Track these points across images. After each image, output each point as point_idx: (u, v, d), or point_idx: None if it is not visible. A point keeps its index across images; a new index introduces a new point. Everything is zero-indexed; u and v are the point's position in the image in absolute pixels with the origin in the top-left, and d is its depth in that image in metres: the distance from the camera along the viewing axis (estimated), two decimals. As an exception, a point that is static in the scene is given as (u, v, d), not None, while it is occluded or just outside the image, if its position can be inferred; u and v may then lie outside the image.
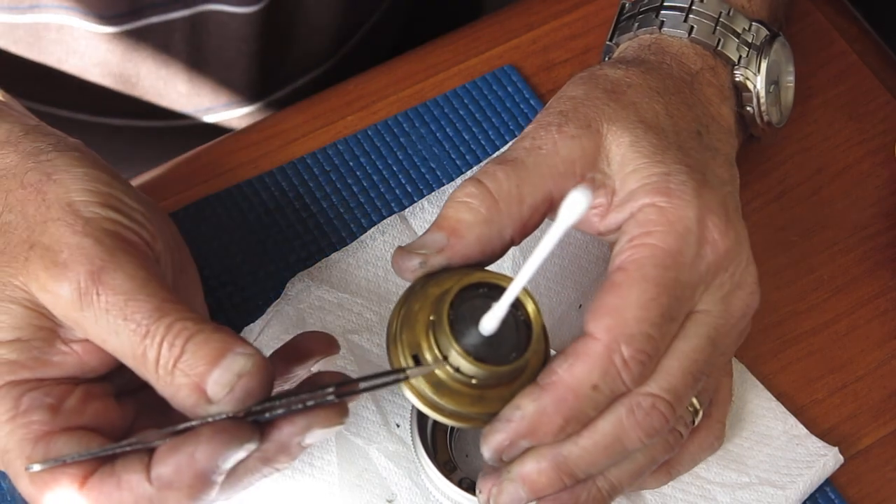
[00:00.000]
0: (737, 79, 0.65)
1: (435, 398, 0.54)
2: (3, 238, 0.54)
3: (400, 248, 0.57)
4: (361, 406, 0.65)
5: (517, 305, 0.55)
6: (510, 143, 0.73)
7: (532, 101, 0.76)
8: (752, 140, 0.70)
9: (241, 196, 0.72)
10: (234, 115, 0.88)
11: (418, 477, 0.63)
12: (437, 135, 0.75)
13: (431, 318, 0.54)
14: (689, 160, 0.59)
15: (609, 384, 0.54)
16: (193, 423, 0.52)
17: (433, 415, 0.55)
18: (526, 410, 0.54)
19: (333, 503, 0.63)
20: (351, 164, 0.74)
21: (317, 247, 0.71)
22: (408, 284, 0.57)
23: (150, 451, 0.52)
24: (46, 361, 0.54)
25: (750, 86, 0.65)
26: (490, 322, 0.53)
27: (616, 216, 0.58)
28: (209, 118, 0.88)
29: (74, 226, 0.53)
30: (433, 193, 0.72)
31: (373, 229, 0.70)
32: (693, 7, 0.66)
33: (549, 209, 0.58)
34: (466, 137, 0.75)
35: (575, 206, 0.47)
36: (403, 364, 0.54)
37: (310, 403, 0.53)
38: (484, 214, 0.57)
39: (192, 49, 0.82)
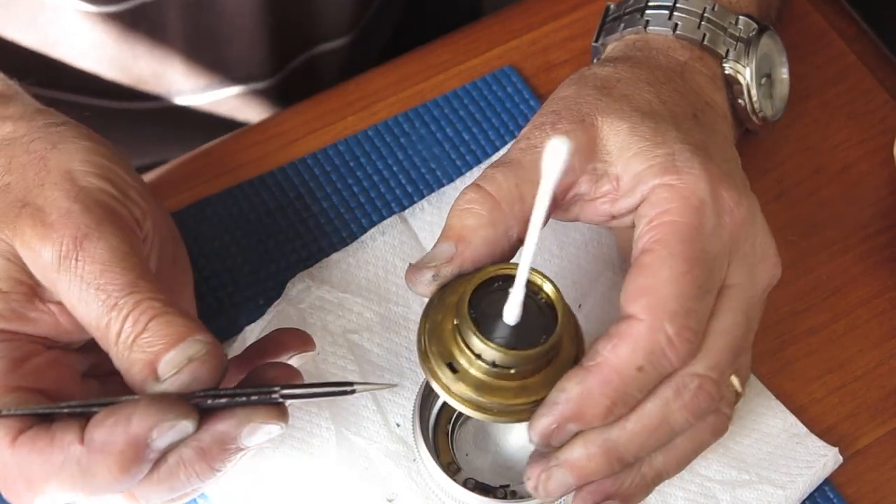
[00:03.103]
0: (726, 72, 0.66)
1: (480, 399, 0.55)
2: (1, 196, 0.56)
3: (411, 265, 0.58)
4: (361, 406, 0.65)
5: (535, 290, 0.55)
6: (508, 146, 0.73)
7: (532, 102, 0.76)
8: (750, 134, 0.70)
9: (242, 196, 0.72)
10: (233, 92, 0.88)
11: (419, 476, 0.63)
12: (437, 135, 0.75)
13: (455, 322, 0.55)
14: (689, 139, 0.59)
15: (655, 364, 0.54)
16: (136, 397, 0.52)
17: (481, 416, 0.55)
18: (571, 393, 0.54)
19: (334, 503, 0.63)
20: (351, 164, 0.74)
21: (317, 247, 0.71)
22: (426, 299, 0.58)
23: (89, 418, 0.52)
24: (23, 316, 0.54)
25: (740, 79, 0.66)
26: (511, 310, 0.53)
27: (626, 201, 0.59)
28: (207, 97, 0.88)
29: (69, 192, 0.55)
30: (433, 194, 0.72)
31: (373, 229, 0.70)
32: (677, 4, 0.66)
33: (553, 204, 0.58)
34: (466, 138, 0.75)
35: (555, 156, 0.46)
36: (441, 376, 0.55)
37: (253, 398, 0.53)
38: (487, 217, 0.57)
39: (188, 28, 0.82)
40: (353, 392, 0.56)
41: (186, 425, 0.52)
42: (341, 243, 0.71)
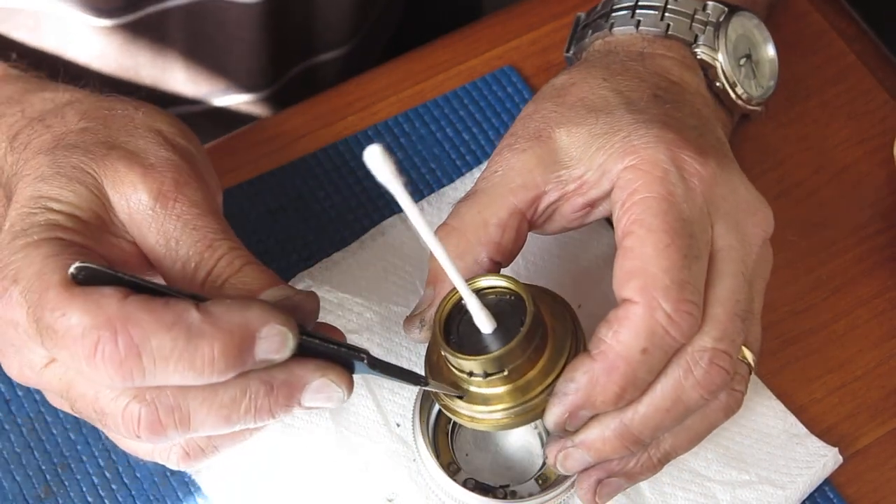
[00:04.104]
0: (699, 57, 0.66)
1: (495, 409, 0.56)
2: (80, 137, 0.57)
3: (406, 317, 0.61)
4: (361, 405, 0.65)
5: (497, 291, 0.56)
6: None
7: (532, 102, 0.76)
8: (746, 120, 0.70)
9: (242, 196, 0.72)
10: (233, 101, 0.89)
11: (419, 476, 0.63)
12: (438, 135, 0.75)
13: (443, 353, 0.56)
14: (645, 117, 0.60)
15: (658, 344, 0.55)
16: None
17: (506, 425, 0.56)
18: (579, 382, 0.55)
19: (334, 502, 0.63)
20: (351, 164, 0.74)
21: (317, 247, 0.71)
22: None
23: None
24: (98, 241, 0.55)
25: (713, 62, 0.66)
26: (480, 321, 0.55)
27: (596, 191, 0.59)
28: (210, 105, 0.88)
29: (164, 144, 0.57)
30: (433, 194, 0.72)
31: (373, 230, 0.71)
32: (639, 3, 0.67)
33: (521, 222, 0.60)
34: (466, 138, 0.75)
35: (372, 159, 0.47)
36: (457, 408, 0.57)
37: (343, 350, 0.53)
38: (454, 251, 0.59)
39: (190, 38, 0.82)
40: (426, 385, 0.57)
41: (290, 339, 0.51)
42: (341, 243, 0.71)
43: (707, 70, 0.66)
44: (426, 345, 0.66)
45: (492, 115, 0.76)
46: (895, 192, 0.75)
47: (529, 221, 0.60)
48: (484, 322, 0.55)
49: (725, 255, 0.57)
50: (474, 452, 0.65)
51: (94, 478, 0.65)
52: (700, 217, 0.57)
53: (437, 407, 0.64)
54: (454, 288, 0.55)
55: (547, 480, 0.63)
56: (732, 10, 0.67)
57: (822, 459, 0.66)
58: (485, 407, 0.56)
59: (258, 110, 0.90)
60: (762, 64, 0.69)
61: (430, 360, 0.58)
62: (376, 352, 0.67)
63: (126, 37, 0.81)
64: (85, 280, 0.50)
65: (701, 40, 0.66)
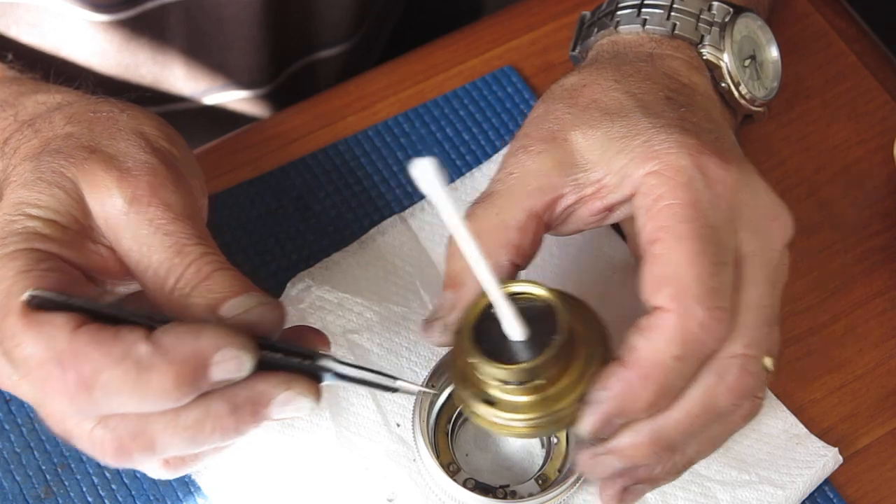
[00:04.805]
0: (705, 57, 0.66)
1: (526, 417, 0.55)
2: (64, 142, 0.57)
3: (423, 321, 0.60)
4: (361, 405, 0.65)
5: (526, 297, 0.56)
6: (507, 147, 0.73)
7: (532, 102, 0.76)
8: (748, 121, 0.70)
9: (242, 196, 0.72)
10: (232, 97, 0.89)
11: (419, 476, 0.63)
12: (437, 135, 0.75)
13: (470, 361, 0.55)
14: (663, 121, 0.59)
15: (692, 351, 0.54)
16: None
17: (536, 433, 0.56)
18: (614, 390, 0.54)
19: (334, 502, 0.63)
20: (351, 164, 0.74)
21: (317, 247, 0.71)
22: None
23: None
24: (75, 248, 0.54)
25: (720, 63, 0.66)
26: (510, 329, 0.54)
27: (616, 195, 0.59)
28: (208, 100, 0.88)
29: (144, 147, 0.57)
30: (433, 194, 0.72)
31: (373, 230, 0.70)
32: (645, 2, 0.66)
33: (539, 225, 0.59)
34: (466, 138, 0.75)
35: (422, 173, 0.47)
36: (486, 415, 0.56)
37: (306, 363, 0.53)
38: None
39: (189, 33, 0.82)
40: (395, 390, 0.56)
41: (246, 361, 0.51)
42: (341, 243, 0.71)
43: (713, 71, 0.66)
44: (426, 345, 0.67)
45: (492, 115, 0.76)
46: (895, 192, 0.75)
47: (546, 224, 0.60)
48: (515, 329, 0.54)
49: (752, 262, 0.57)
50: (474, 452, 0.65)
51: (93, 478, 0.65)
52: (725, 223, 0.57)
53: (437, 407, 0.64)
54: (482, 293, 0.55)
55: (547, 480, 0.63)
56: (738, 11, 0.67)
57: (822, 459, 0.66)
58: (514, 415, 0.55)
59: (257, 107, 0.90)
60: (766, 65, 0.69)
61: (454, 365, 0.57)
62: (376, 352, 0.67)
63: (125, 33, 0.81)
64: (40, 306, 0.50)
65: (707, 40, 0.66)
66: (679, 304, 0.54)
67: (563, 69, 0.77)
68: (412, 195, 0.73)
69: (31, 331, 0.50)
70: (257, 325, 0.53)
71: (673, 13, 0.66)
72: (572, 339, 0.55)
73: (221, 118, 0.89)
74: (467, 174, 0.73)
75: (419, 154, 0.74)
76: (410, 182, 0.73)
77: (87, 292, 0.55)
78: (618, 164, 0.58)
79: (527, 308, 0.54)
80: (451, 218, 0.49)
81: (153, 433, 0.52)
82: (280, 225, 0.72)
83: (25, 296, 0.50)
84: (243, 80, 0.87)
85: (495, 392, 0.55)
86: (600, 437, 0.56)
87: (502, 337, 0.55)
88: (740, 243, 0.57)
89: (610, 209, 0.60)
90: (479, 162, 0.74)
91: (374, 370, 0.56)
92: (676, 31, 0.66)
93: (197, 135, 0.83)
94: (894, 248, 0.74)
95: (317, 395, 0.54)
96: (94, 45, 0.81)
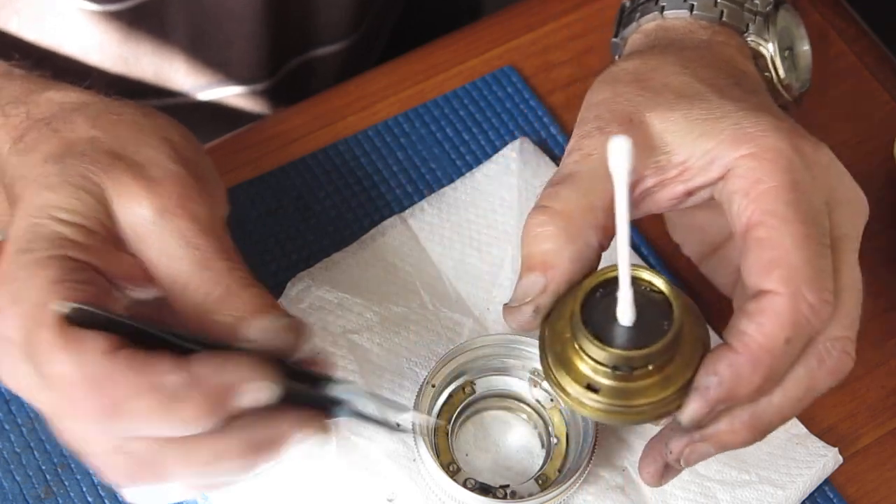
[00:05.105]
0: (750, 45, 0.66)
1: (630, 403, 0.55)
2: (89, 146, 0.56)
3: (507, 306, 0.58)
4: (361, 406, 0.65)
5: (639, 283, 0.55)
6: (508, 147, 0.73)
7: (532, 102, 0.76)
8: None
9: (242, 196, 0.72)
10: (233, 91, 0.88)
11: (419, 476, 0.63)
12: (437, 135, 0.75)
13: (576, 346, 0.55)
14: (745, 104, 0.59)
15: (801, 334, 0.54)
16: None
17: (640, 420, 0.55)
18: (723, 376, 0.54)
19: (334, 502, 0.63)
20: (351, 164, 0.74)
21: (317, 247, 0.71)
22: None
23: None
24: (103, 255, 0.54)
25: (763, 52, 0.66)
26: (624, 313, 0.53)
27: (702, 177, 0.58)
28: (207, 95, 0.88)
29: (171, 156, 0.56)
30: (433, 195, 0.72)
31: (373, 230, 0.70)
32: None
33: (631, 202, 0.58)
34: (466, 138, 0.75)
35: (619, 154, 0.47)
36: (587, 402, 0.55)
37: (322, 396, 0.53)
38: (564, 235, 0.57)
39: (190, 26, 0.82)
40: (401, 430, 0.57)
41: (273, 391, 0.51)
42: (341, 243, 0.71)
43: (757, 59, 0.66)
44: (426, 345, 0.67)
45: (492, 115, 0.76)
46: (895, 192, 0.75)
47: None
48: (628, 314, 0.53)
49: (846, 245, 0.57)
50: (474, 452, 0.65)
51: (93, 478, 0.65)
52: (822, 206, 0.57)
53: (437, 407, 0.64)
54: (588, 276, 0.55)
55: (547, 480, 0.63)
56: (779, 2, 0.67)
57: (822, 459, 0.66)
58: (619, 401, 0.55)
59: (255, 103, 0.89)
60: (800, 57, 0.69)
61: (552, 349, 0.56)
62: (376, 352, 0.67)
63: (127, 24, 0.81)
64: (79, 320, 0.50)
65: (752, 29, 0.65)
66: (790, 287, 0.54)
67: (564, 69, 0.78)
68: (412, 195, 0.73)
69: (66, 349, 0.50)
70: (280, 346, 0.53)
71: (720, 1, 0.65)
72: (683, 327, 0.55)
73: (220, 113, 0.89)
74: (467, 174, 0.73)
75: (419, 154, 0.74)
76: (410, 182, 0.74)
77: (114, 302, 0.54)
78: (703, 146, 0.57)
79: (633, 294, 0.54)
80: (621, 199, 0.49)
81: (167, 464, 0.52)
82: (280, 225, 0.72)
83: (64, 309, 0.50)
84: (243, 76, 0.87)
85: (599, 377, 0.55)
86: (702, 425, 0.56)
87: (605, 321, 0.54)
88: (833, 226, 0.57)
89: (691, 193, 0.59)
90: (479, 162, 0.74)
91: (386, 400, 0.56)
92: (724, 19, 0.65)
93: (195, 131, 0.83)
94: (894, 248, 0.74)
95: (328, 432, 0.54)
96: (95, 36, 0.81)
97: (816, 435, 0.67)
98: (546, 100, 0.77)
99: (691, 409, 0.55)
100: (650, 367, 0.54)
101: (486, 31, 0.79)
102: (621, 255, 0.51)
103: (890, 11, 0.81)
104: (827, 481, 0.67)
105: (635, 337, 0.54)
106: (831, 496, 0.66)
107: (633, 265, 0.54)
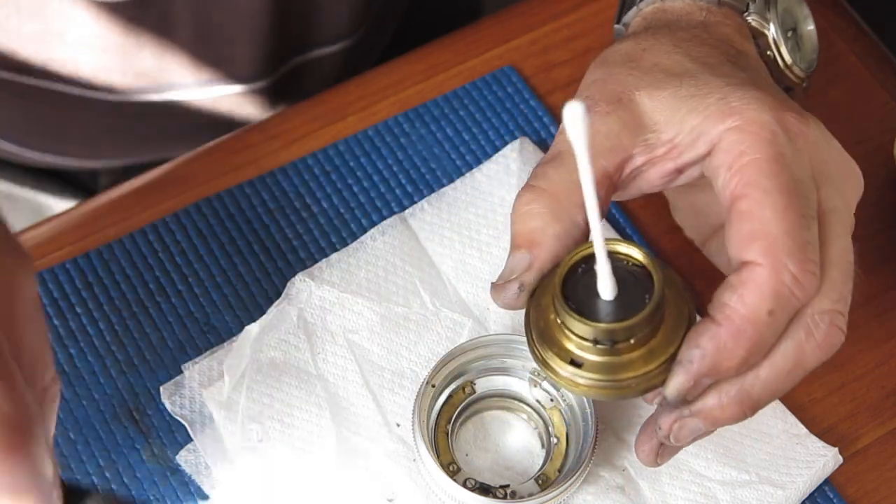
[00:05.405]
0: (751, 24, 0.66)
1: (614, 378, 0.54)
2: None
3: (493, 284, 0.58)
4: (361, 405, 0.65)
5: (620, 258, 0.55)
6: (508, 146, 0.73)
7: (532, 102, 0.76)
8: (788, 93, 0.70)
9: (242, 196, 0.72)
10: (233, 90, 0.88)
11: (419, 476, 0.63)
12: (438, 135, 0.75)
13: (559, 320, 0.55)
14: (733, 80, 0.59)
15: (784, 305, 0.54)
16: None
17: (623, 394, 0.55)
18: (706, 349, 0.54)
19: (334, 502, 0.63)
20: (351, 164, 0.74)
21: (317, 247, 0.71)
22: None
23: None
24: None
25: (765, 31, 0.66)
26: (605, 286, 0.53)
27: (690, 153, 0.58)
28: (208, 91, 0.88)
29: None
30: (433, 195, 0.72)
31: (373, 230, 0.70)
32: None
33: (610, 185, 0.59)
34: (466, 138, 0.75)
35: (574, 119, 0.46)
36: (568, 377, 0.55)
37: None
38: (550, 214, 0.57)
39: (193, 21, 0.82)
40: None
41: None
42: (341, 243, 0.71)
43: (758, 39, 0.66)
44: (426, 345, 0.67)
45: (492, 115, 0.76)
46: (895, 192, 0.75)
47: (614, 185, 0.59)
48: (609, 288, 0.53)
49: (835, 218, 0.57)
50: (474, 452, 0.65)
51: (93, 478, 0.65)
52: (808, 178, 0.56)
53: (437, 407, 0.64)
54: (571, 252, 0.55)
55: (547, 480, 0.63)
56: None
57: (821, 459, 0.66)
58: (602, 375, 0.55)
59: (255, 100, 0.89)
60: (805, 38, 0.69)
61: (537, 326, 0.56)
62: (376, 352, 0.67)
63: (129, 16, 0.81)
64: None
65: (752, 8, 0.65)
66: (771, 258, 0.54)
67: (563, 69, 0.78)
68: (412, 195, 0.73)
69: None
70: None
71: None
72: (664, 299, 0.55)
73: (219, 110, 0.89)
74: (467, 174, 0.73)
75: (419, 154, 0.74)
76: (410, 182, 0.74)
77: None
78: (690, 122, 0.58)
79: (614, 268, 0.54)
80: (584, 169, 0.49)
81: None
82: (280, 225, 0.72)
83: None
84: (243, 73, 0.87)
85: (583, 353, 0.55)
86: (686, 399, 0.56)
87: (587, 297, 0.54)
88: (822, 199, 0.57)
89: (681, 170, 0.59)
90: (479, 162, 0.74)
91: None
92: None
93: (195, 130, 0.83)
94: (894, 248, 0.74)
95: None
96: (97, 28, 0.81)
97: (816, 435, 0.67)
98: (546, 100, 0.77)
99: (675, 382, 0.54)
100: (632, 341, 0.54)
101: (486, 31, 0.79)
102: (594, 228, 0.51)
103: (890, 11, 0.81)
104: (827, 481, 0.67)
105: (616, 310, 0.54)
106: (831, 496, 0.66)
107: (610, 238, 0.54)
